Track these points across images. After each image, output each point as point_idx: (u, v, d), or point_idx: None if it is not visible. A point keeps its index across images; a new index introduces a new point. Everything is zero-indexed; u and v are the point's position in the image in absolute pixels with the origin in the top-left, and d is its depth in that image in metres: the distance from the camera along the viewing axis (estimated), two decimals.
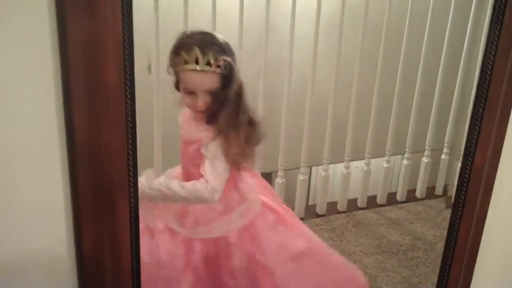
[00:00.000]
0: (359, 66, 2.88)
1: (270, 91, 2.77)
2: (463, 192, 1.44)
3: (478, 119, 1.35)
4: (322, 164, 3.03)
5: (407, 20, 2.90)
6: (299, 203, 2.99)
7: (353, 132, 3.00)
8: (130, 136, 1.01)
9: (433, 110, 3.08)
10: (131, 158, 1.02)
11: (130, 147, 1.01)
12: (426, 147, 3.15)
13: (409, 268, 2.60)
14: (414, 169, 3.23)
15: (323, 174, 3.02)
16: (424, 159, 3.16)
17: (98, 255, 1.09)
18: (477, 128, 1.36)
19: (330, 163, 3.05)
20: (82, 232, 1.06)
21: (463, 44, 2.95)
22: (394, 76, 2.99)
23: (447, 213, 1.85)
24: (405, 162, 3.17)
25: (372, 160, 3.12)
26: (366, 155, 3.09)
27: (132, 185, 1.05)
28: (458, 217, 1.48)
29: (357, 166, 3.19)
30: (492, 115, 1.36)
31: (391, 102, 3.04)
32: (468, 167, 1.41)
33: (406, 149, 3.15)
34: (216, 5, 2.48)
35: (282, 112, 2.79)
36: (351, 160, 3.08)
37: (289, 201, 2.94)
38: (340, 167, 3.14)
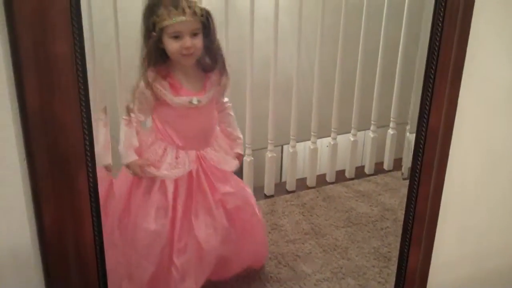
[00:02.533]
0: (320, 43, 2.89)
1: (234, 71, 2.77)
2: (419, 156, 1.47)
3: (431, 80, 1.38)
4: (289, 142, 3.05)
5: None
6: (269, 181, 3.00)
7: (318, 109, 3.02)
8: (83, 106, 1.01)
9: (396, 83, 3.10)
10: (86, 128, 1.02)
11: (85, 118, 1.02)
12: (391, 119, 3.17)
13: (378, 238, 2.64)
14: (381, 143, 3.26)
15: (290, 150, 3.04)
16: (390, 131, 3.19)
17: (59, 229, 1.10)
18: (430, 90, 1.39)
19: (298, 142, 3.07)
20: (42, 207, 1.07)
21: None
22: (356, 51, 3.01)
23: None
24: (371, 134, 3.20)
25: (339, 137, 3.15)
26: (332, 129, 3.11)
27: (89, 156, 1.05)
28: (416, 180, 1.51)
29: (327, 145, 3.21)
30: (443, 76, 1.39)
31: (354, 77, 3.06)
32: (423, 130, 1.44)
33: (372, 122, 3.17)
34: None
35: (246, 92, 2.79)
36: (319, 138, 3.10)
37: (259, 179, 2.96)
38: (309, 144, 3.16)
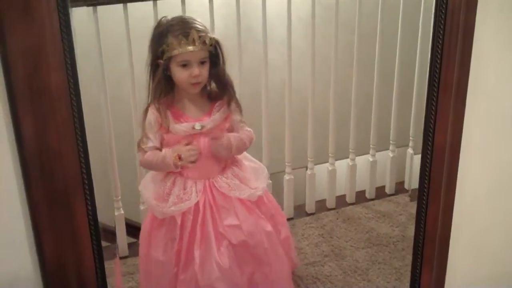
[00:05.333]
0: (335, 64, 2.89)
1: (250, 95, 2.79)
2: (426, 175, 1.45)
3: (434, 97, 1.37)
4: (307, 165, 3.04)
5: (379, 15, 2.91)
6: (288, 203, 2.99)
7: (335, 129, 3.01)
8: (79, 136, 1.02)
9: (413, 101, 3.08)
10: (82, 156, 1.04)
11: (81, 147, 1.03)
12: (410, 138, 3.15)
13: (399, 259, 2.61)
14: (401, 162, 3.24)
15: (309, 172, 3.03)
16: (409, 150, 3.17)
17: (60, 258, 1.10)
18: (433, 107, 1.38)
19: (316, 164, 3.06)
20: (42, 237, 1.07)
21: None
22: (372, 72, 3.00)
23: None
24: (390, 154, 3.17)
25: (359, 158, 3.13)
26: (350, 150, 3.10)
27: (86, 185, 1.06)
28: (424, 200, 1.49)
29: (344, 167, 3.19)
30: (447, 93, 1.38)
31: (370, 98, 3.05)
32: (429, 147, 1.42)
33: (390, 142, 3.15)
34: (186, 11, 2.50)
35: (262, 115, 2.80)
36: (337, 159, 3.09)
37: (278, 202, 2.94)
38: (326, 166, 3.14)
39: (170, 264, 1.92)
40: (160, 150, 1.91)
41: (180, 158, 1.83)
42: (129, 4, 2.47)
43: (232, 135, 1.96)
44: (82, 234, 1.10)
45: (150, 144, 1.89)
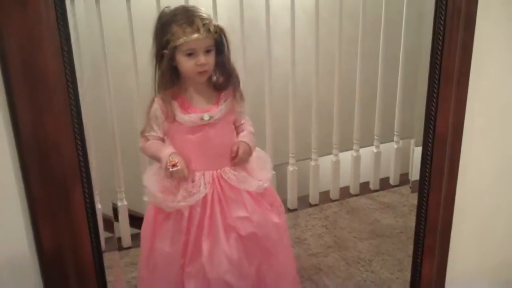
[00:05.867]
0: (339, 55, 2.88)
1: (254, 87, 2.79)
2: (428, 162, 1.44)
3: (435, 85, 1.36)
4: (311, 156, 3.03)
5: (383, 4, 2.89)
6: (291, 195, 2.99)
7: (339, 121, 3.00)
8: (76, 124, 1.02)
9: (419, 92, 3.06)
10: (79, 144, 1.03)
11: (77, 134, 1.03)
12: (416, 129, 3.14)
13: (403, 250, 2.60)
14: (405, 153, 3.22)
15: (312, 164, 3.02)
16: (412, 142, 3.15)
17: (58, 248, 1.10)
18: (435, 94, 1.36)
19: (320, 156, 3.05)
20: (39, 226, 1.07)
21: None
22: (376, 63, 2.99)
23: None
24: (394, 145, 3.16)
25: (363, 149, 3.12)
26: (354, 141, 3.09)
27: (84, 173, 1.06)
28: (426, 188, 1.48)
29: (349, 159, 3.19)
30: (448, 80, 1.36)
31: (375, 89, 3.03)
32: (430, 136, 1.41)
33: (395, 133, 3.13)
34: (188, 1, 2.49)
35: (266, 106, 2.79)
36: (341, 151, 3.08)
37: (282, 193, 2.94)
38: (330, 158, 3.13)
39: (177, 255, 1.90)
40: (163, 140, 1.90)
41: (174, 166, 1.81)
42: None
43: (243, 137, 1.96)
44: (79, 222, 1.09)
45: (153, 133, 1.88)
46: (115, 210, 2.72)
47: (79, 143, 1.04)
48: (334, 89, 2.94)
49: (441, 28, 1.34)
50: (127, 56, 2.55)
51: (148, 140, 1.90)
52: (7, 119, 1.02)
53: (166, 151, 1.83)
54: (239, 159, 1.89)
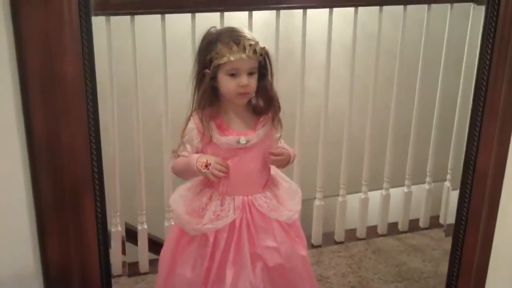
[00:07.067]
0: (374, 92, 2.82)
1: (288, 116, 2.73)
2: (466, 201, 1.35)
3: (478, 119, 1.27)
4: (339, 193, 2.95)
5: (422, 44, 2.83)
6: (316, 230, 2.90)
7: (370, 158, 2.92)
8: (93, 131, 0.96)
9: (453, 133, 2.98)
10: (95, 154, 0.97)
11: (93, 143, 0.97)
12: (449, 171, 3.04)
13: None
14: (436, 197, 3.12)
15: (340, 199, 2.93)
16: (447, 183, 3.05)
17: (64, 263, 1.03)
18: (477, 129, 1.28)
19: (348, 193, 2.97)
20: (46, 235, 1.01)
21: None
22: (411, 102, 2.91)
23: None
24: (426, 186, 3.06)
25: (391, 190, 3.03)
26: (384, 179, 3.00)
27: (97, 183, 1.00)
28: (462, 230, 1.38)
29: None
30: (492, 116, 1.28)
31: (408, 128, 2.96)
32: (470, 172, 1.32)
33: (427, 173, 3.04)
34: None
35: (296, 138, 2.73)
36: (370, 190, 2.99)
37: (307, 229, 2.85)
38: (359, 196, 3.05)
39: (198, 282, 1.83)
40: None
41: (207, 166, 1.75)
42: (166, 22, 2.43)
43: (283, 145, 1.91)
44: (89, 237, 1.03)
45: (185, 153, 1.83)
46: (127, 231, 2.66)
47: (94, 152, 0.98)
48: (367, 125, 2.87)
49: (487, 61, 1.25)
50: (159, 78, 2.52)
51: (178, 157, 1.84)
52: (20, 123, 0.96)
53: (193, 157, 1.78)
54: (274, 160, 1.83)
